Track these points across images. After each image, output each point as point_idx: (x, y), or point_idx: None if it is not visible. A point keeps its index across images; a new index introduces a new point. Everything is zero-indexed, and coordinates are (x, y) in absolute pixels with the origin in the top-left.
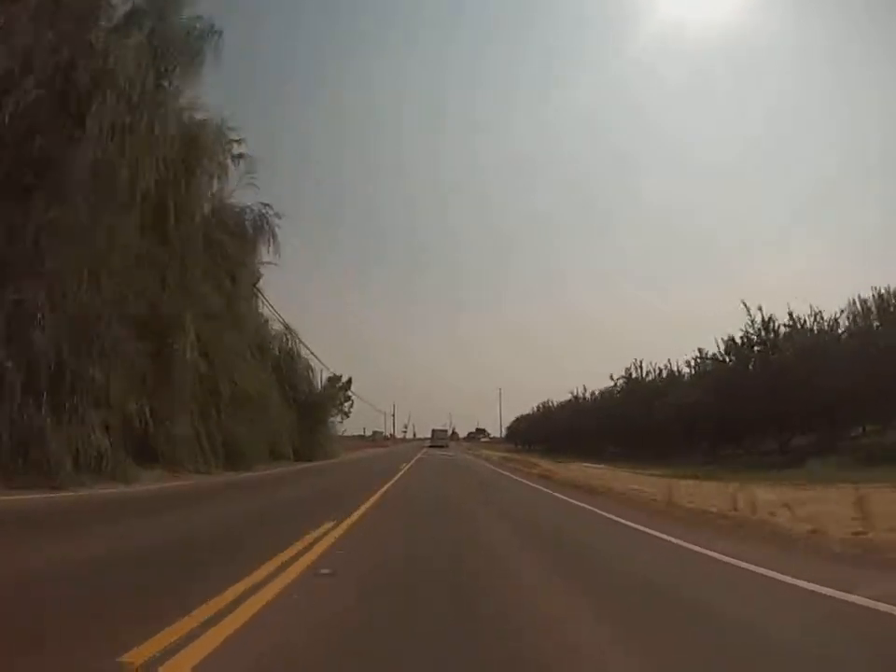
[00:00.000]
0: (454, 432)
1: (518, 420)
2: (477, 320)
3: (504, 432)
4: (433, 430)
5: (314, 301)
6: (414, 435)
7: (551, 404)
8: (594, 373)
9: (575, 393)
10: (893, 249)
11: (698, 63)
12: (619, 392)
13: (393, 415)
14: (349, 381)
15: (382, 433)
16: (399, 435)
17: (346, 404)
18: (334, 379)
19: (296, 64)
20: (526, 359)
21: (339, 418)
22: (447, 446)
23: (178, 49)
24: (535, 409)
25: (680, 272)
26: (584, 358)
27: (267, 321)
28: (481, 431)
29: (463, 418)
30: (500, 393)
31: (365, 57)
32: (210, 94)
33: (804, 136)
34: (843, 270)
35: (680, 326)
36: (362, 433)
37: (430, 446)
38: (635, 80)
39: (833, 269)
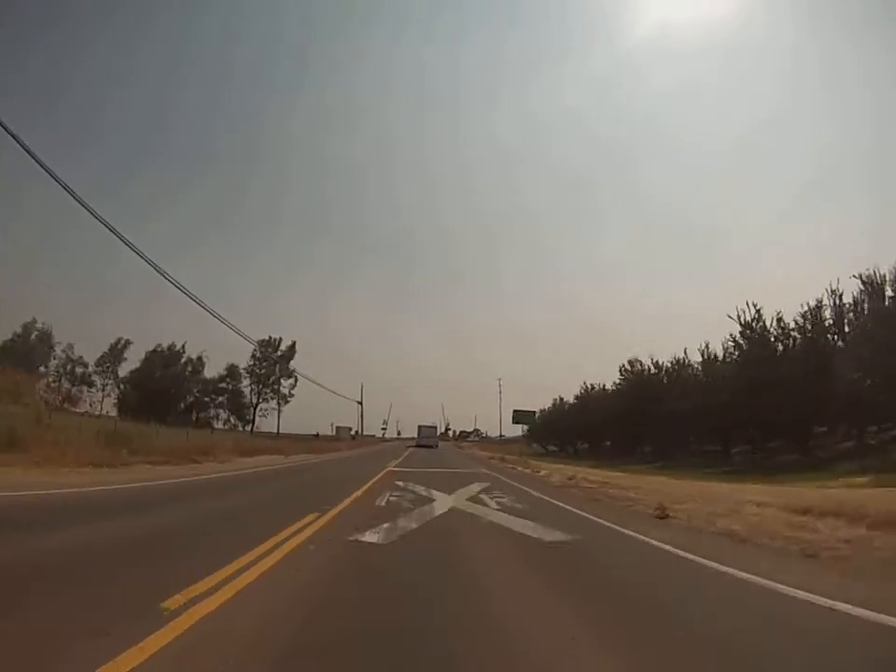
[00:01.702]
0: (447, 428)
1: (548, 412)
2: (473, 317)
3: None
4: (420, 427)
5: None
6: (399, 434)
7: (637, 364)
8: (594, 373)
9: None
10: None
11: (694, 61)
12: None
13: (360, 402)
14: (292, 347)
15: (349, 429)
16: (375, 433)
17: (287, 383)
18: (268, 343)
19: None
20: (522, 359)
21: (273, 403)
22: (436, 446)
23: None
24: (588, 390)
25: (678, 269)
26: (586, 360)
27: None
28: (526, 411)
29: (455, 418)
30: (500, 384)
31: (350, 64)
32: None
33: (798, 134)
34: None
35: (679, 323)
36: (331, 430)
37: (416, 445)
38: (627, 77)
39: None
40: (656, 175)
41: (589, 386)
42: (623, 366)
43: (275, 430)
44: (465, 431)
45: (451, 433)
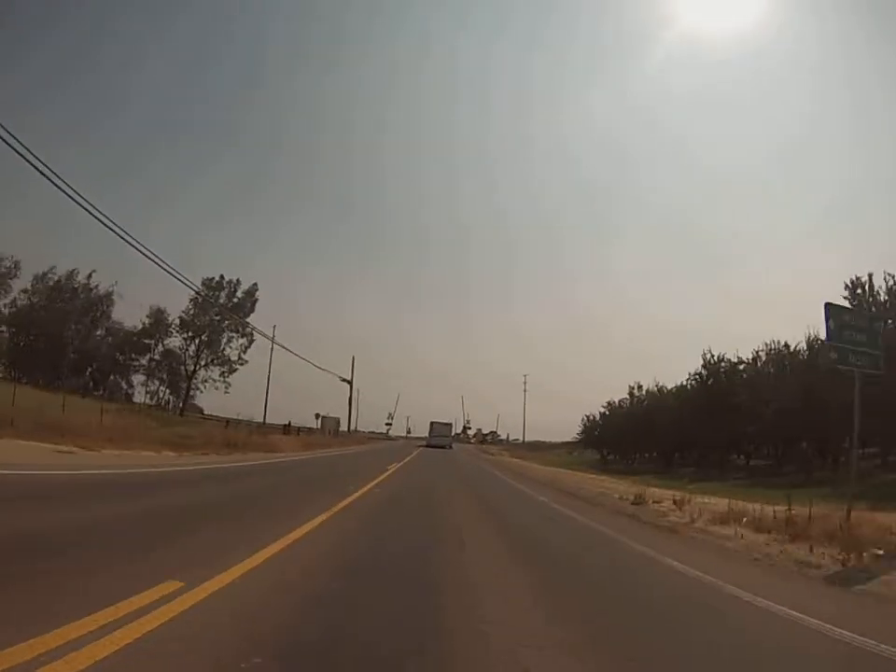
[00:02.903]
0: (466, 427)
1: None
2: (487, 318)
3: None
4: (432, 424)
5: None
6: (408, 432)
7: None
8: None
9: None
10: None
11: (715, 74)
12: None
13: (350, 382)
14: (252, 293)
15: (337, 420)
16: (377, 430)
17: (239, 343)
18: (218, 285)
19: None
20: (540, 364)
21: (217, 372)
22: (450, 446)
23: None
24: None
25: (690, 281)
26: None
27: None
28: None
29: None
30: (525, 381)
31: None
32: None
33: (821, 150)
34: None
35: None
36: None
37: (427, 445)
38: (652, 88)
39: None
40: (673, 184)
41: (713, 358)
42: None
43: (221, 412)
44: (481, 431)
45: (468, 433)
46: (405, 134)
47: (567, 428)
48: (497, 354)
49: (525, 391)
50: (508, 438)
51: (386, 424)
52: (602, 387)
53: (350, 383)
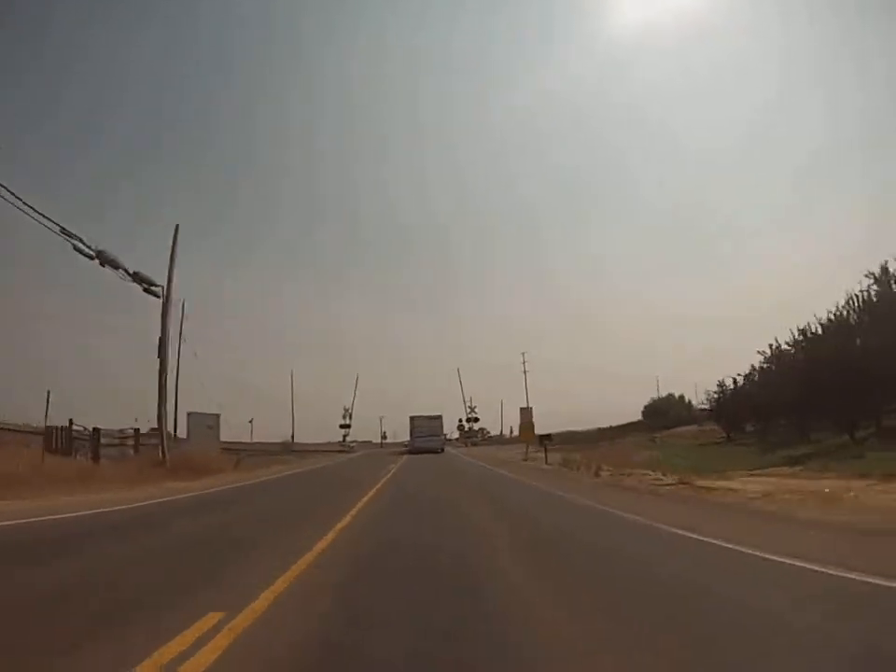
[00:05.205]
0: (469, 419)
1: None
2: (471, 316)
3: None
4: (412, 420)
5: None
6: (384, 437)
7: None
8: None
9: None
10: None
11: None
12: None
13: (161, 292)
14: None
15: (216, 418)
16: (371, 437)
17: None
18: None
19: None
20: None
21: None
22: (441, 450)
23: None
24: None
25: (675, 267)
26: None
27: None
28: None
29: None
30: (524, 359)
31: (341, 57)
32: None
33: (789, 125)
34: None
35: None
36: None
37: (411, 452)
38: (615, 70)
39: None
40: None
41: None
42: None
43: None
44: (530, 410)
45: (470, 428)
46: (373, 135)
47: (569, 417)
48: (486, 349)
49: (525, 371)
50: (511, 432)
51: (342, 426)
52: (599, 376)
53: (163, 295)
